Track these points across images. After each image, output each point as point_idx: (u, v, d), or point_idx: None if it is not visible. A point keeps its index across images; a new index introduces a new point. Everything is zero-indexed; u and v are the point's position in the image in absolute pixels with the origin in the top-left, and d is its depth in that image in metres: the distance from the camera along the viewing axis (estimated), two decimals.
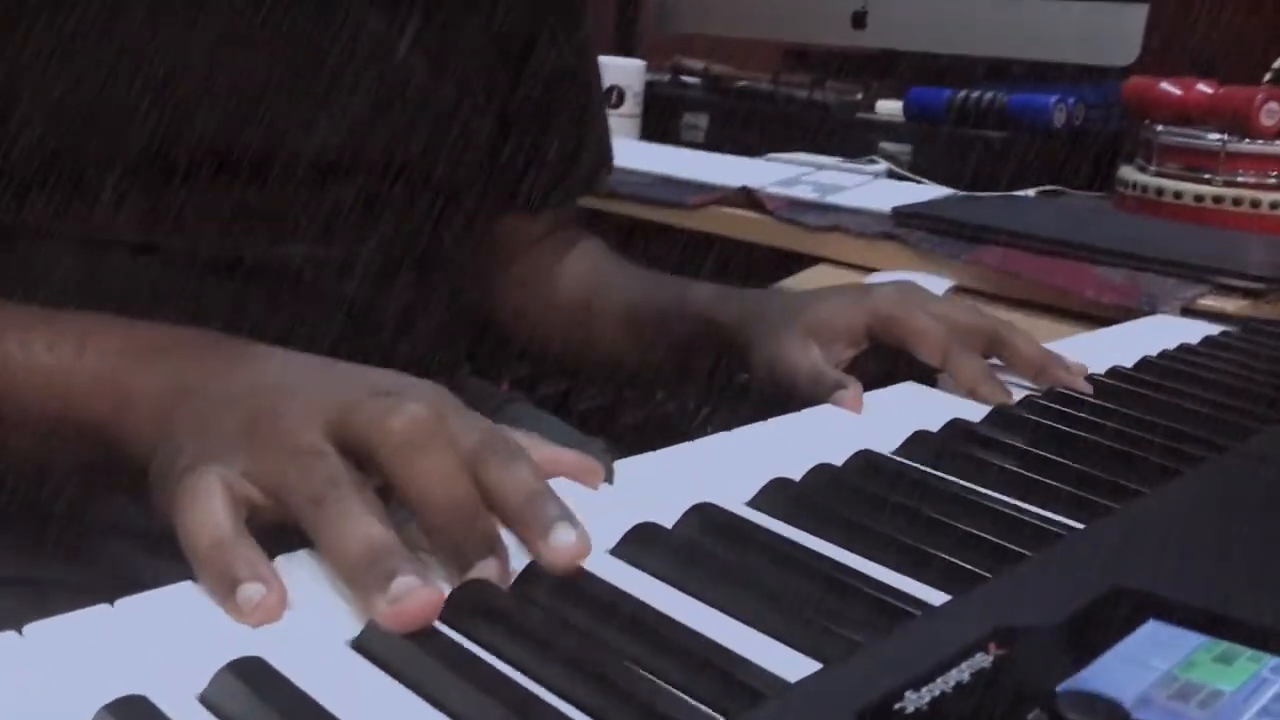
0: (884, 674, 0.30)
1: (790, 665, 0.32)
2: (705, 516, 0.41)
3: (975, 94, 1.30)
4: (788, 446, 0.49)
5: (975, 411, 0.55)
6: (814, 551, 0.39)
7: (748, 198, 1.17)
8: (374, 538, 0.34)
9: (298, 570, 0.35)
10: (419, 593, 0.32)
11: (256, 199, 0.58)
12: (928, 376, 0.60)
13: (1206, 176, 1.11)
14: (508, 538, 0.37)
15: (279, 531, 0.37)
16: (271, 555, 0.36)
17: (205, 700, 0.29)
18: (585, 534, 0.36)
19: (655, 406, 1.17)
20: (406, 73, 0.63)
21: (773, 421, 0.53)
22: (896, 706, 0.28)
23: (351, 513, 0.35)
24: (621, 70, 1.49)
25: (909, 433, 0.51)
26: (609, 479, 0.44)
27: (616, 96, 1.48)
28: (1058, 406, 0.56)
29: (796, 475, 0.45)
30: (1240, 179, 1.10)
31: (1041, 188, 1.27)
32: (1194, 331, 0.76)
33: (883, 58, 1.53)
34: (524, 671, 0.31)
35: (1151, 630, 0.32)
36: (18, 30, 0.52)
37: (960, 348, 0.59)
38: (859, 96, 1.44)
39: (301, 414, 0.38)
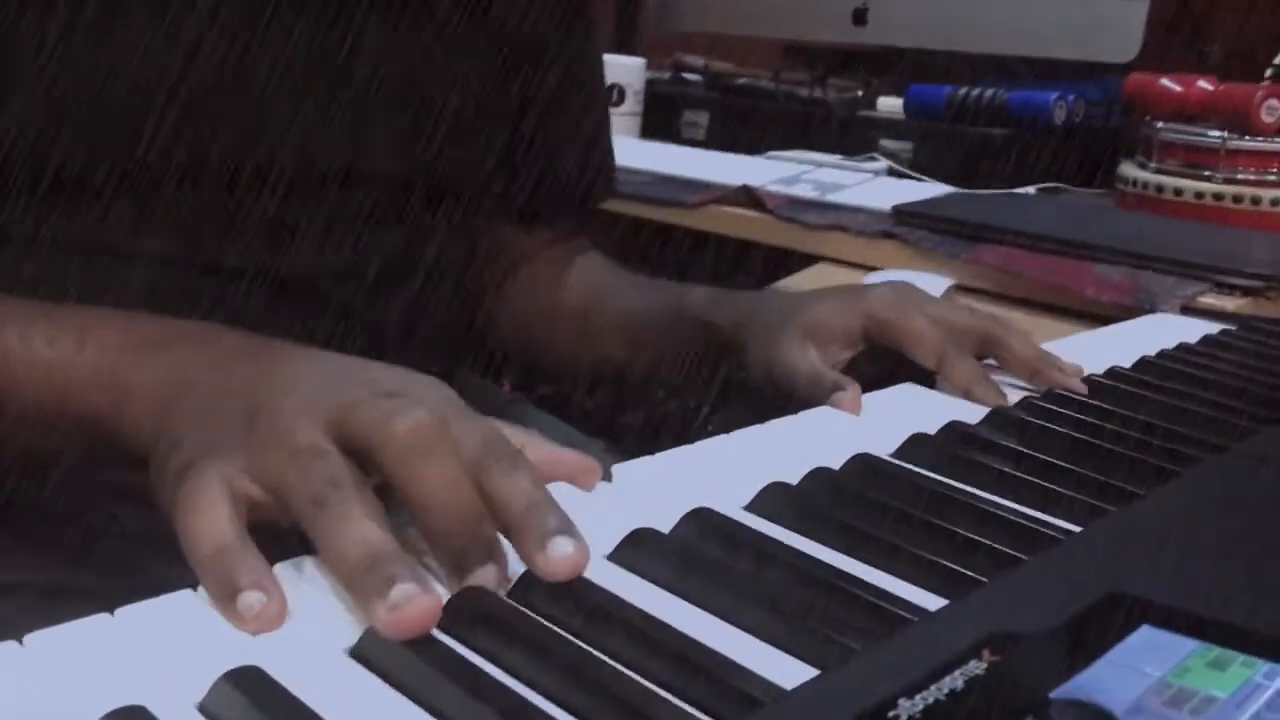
0: (879, 681, 0.30)
1: (788, 671, 0.32)
2: (703, 521, 0.41)
3: (976, 91, 1.30)
4: (786, 449, 0.49)
5: (973, 413, 0.55)
6: (811, 557, 0.40)
7: (748, 196, 1.17)
8: (374, 542, 0.34)
9: (297, 576, 0.35)
10: (418, 600, 0.32)
11: (260, 207, 0.58)
12: (927, 377, 0.60)
13: (1207, 173, 1.11)
14: (506, 544, 0.37)
15: (279, 530, 0.37)
16: (271, 558, 0.36)
17: (204, 710, 0.29)
18: (584, 545, 0.36)
19: (656, 406, 1.17)
20: (414, 84, 0.63)
21: (771, 424, 0.53)
22: (890, 714, 0.28)
23: (352, 515, 0.35)
24: (622, 68, 1.49)
25: (907, 435, 0.51)
26: (608, 478, 0.44)
27: (617, 95, 1.48)
28: (1055, 408, 0.56)
29: (795, 479, 0.46)
30: (1240, 176, 1.10)
31: (1042, 185, 1.27)
32: (1193, 330, 0.77)
33: (883, 55, 1.53)
34: (522, 679, 0.31)
35: (1145, 636, 0.33)
36: (25, 36, 0.52)
37: (955, 350, 0.59)
38: (859, 94, 1.44)
39: (302, 411, 0.38)
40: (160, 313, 0.49)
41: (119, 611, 0.33)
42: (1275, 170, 1.10)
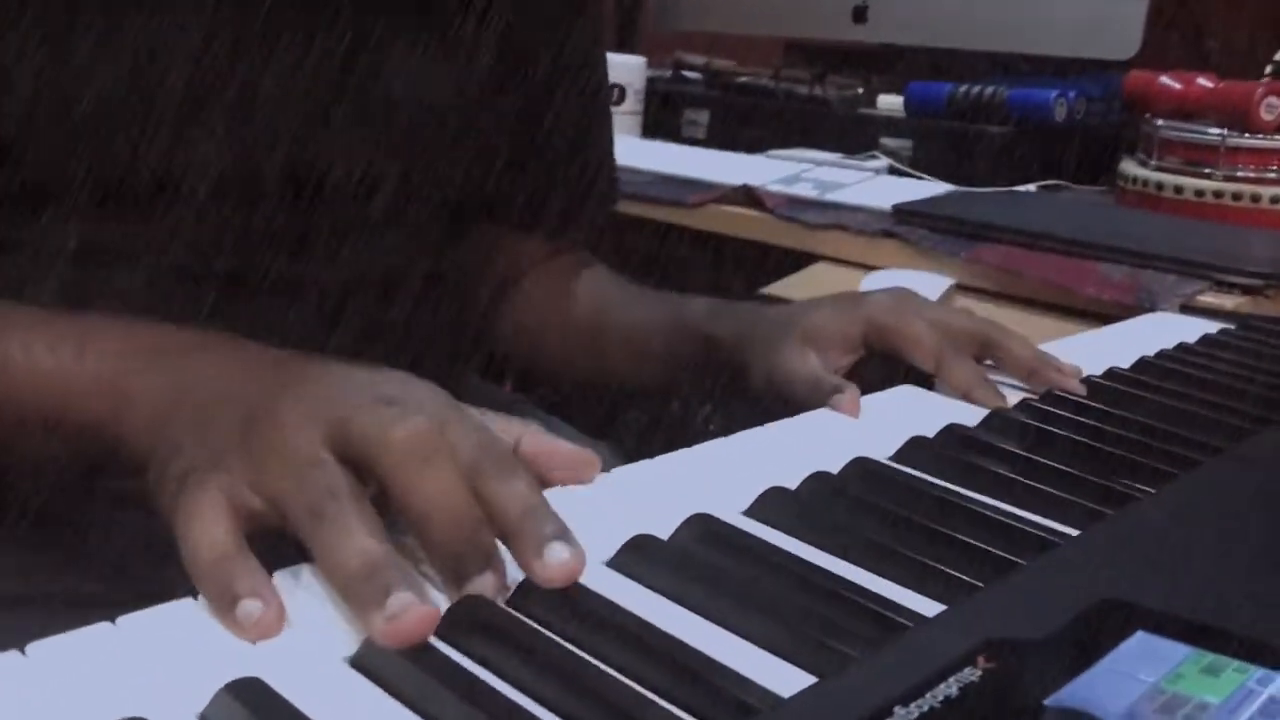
0: (875, 689, 0.30)
1: (786, 678, 0.32)
2: (702, 527, 0.41)
3: (976, 88, 1.30)
4: (786, 452, 0.49)
5: (972, 415, 0.55)
6: (811, 563, 0.40)
7: (747, 196, 1.17)
8: (371, 553, 0.35)
9: (296, 586, 0.36)
10: (415, 609, 0.33)
11: (264, 216, 0.58)
12: (926, 381, 0.61)
13: (1207, 171, 1.11)
14: (505, 551, 0.37)
15: (277, 538, 0.37)
16: (269, 567, 0.36)
17: None
18: (580, 551, 0.36)
19: (657, 405, 1.17)
20: (421, 94, 0.63)
21: (770, 426, 0.53)
22: None
23: (349, 527, 0.35)
24: (622, 67, 1.49)
25: (906, 437, 0.51)
26: (606, 469, 0.44)
27: (618, 94, 1.48)
28: (1054, 410, 0.57)
29: (794, 482, 0.46)
30: (1240, 174, 1.10)
31: (1042, 182, 1.27)
32: (1193, 329, 0.77)
33: (883, 52, 1.53)
34: (520, 687, 0.32)
35: (1139, 642, 0.33)
36: (32, 46, 0.52)
37: (954, 353, 0.59)
38: (859, 92, 1.44)
39: (301, 420, 0.38)
40: (169, 321, 0.49)
41: (121, 620, 0.33)
42: (1275, 167, 1.10)
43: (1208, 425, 0.55)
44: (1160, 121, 1.16)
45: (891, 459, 0.50)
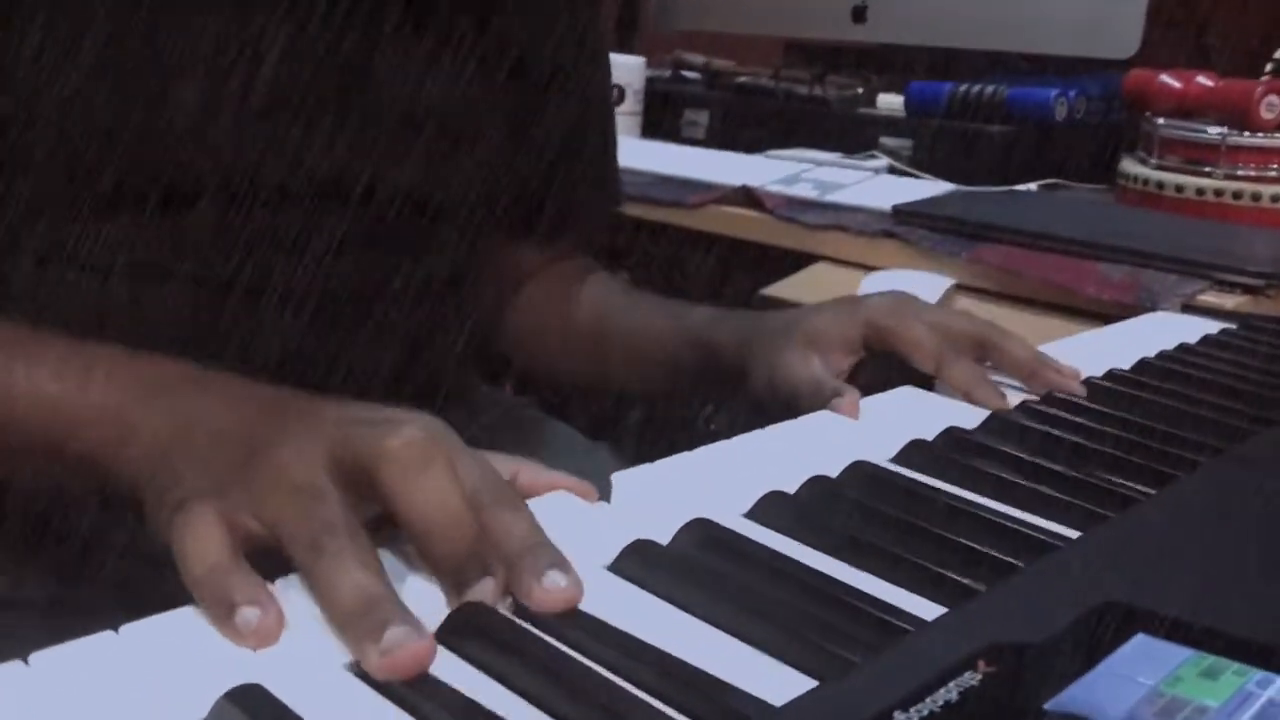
0: (874, 693, 0.30)
1: (787, 682, 0.32)
2: (701, 532, 0.41)
3: (976, 88, 1.30)
4: (786, 455, 0.49)
5: (972, 416, 0.55)
6: (810, 567, 0.40)
7: (747, 196, 1.17)
8: (367, 588, 0.35)
9: (294, 593, 0.36)
10: (410, 645, 0.33)
11: (270, 224, 0.58)
12: (926, 383, 0.61)
13: (1207, 170, 1.11)
14: None
15: (275, 555, 0.38)
16: (267, 575, 0.36)
17: None
18: (578, 580, 0.37)
19: (659, 406, 1.17)
20: (427, 103, 0.63)
21: (771, 429, 0.53)
22: None
23: (346, 563, 0.35)
24: (622, 67, 1.49)
25: (906, 439, 0.51)
26: (605, 498, 0.45)
27: (617, 94, 1.48)
28: (1054, 411, 0.57)
29: (794, 485, 0.46)
30: (1240, 172, 1.10)
31: (1043, 181, 1.27)
32: (1194, 329, 0.77)
33: (883, 52, 1.53)
34: (520, 693, 0.32)
35: (1139, 644, 0.33)
36: (34, 54, 0.52)
37: (954, 355, 0.59)
38: (859, 91, 1.44)
39: (300, 449, 0.39)
40: (169, 331, 0.49)
41: (123, 629, 0.33)
42: (1276, 166, 1.10)
43: (1208, 426, 0.55)
44: (1160, 120, 1.16)
45: (891, 461, 0.50)
